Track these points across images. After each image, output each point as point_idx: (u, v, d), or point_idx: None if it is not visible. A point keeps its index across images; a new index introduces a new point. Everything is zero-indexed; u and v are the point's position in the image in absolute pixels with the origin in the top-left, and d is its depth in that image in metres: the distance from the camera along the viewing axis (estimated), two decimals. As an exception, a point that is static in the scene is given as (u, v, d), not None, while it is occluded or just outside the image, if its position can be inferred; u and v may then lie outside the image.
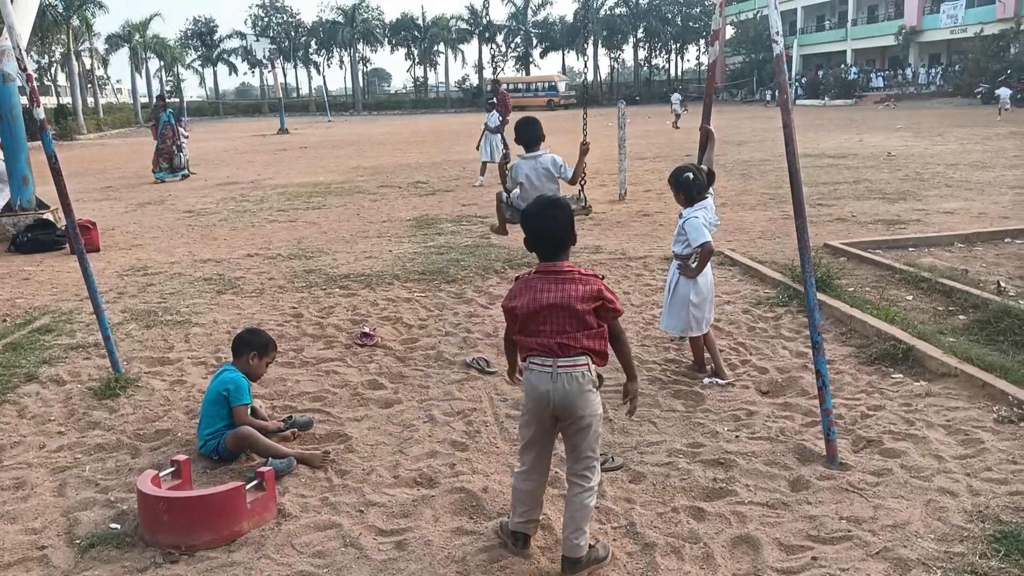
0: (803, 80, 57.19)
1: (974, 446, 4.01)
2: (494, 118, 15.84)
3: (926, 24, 52.76)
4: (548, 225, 3.14)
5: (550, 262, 3.13)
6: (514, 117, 8.58)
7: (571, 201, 5.81)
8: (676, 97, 37.69)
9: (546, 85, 69.54)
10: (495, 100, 16.71)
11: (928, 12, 52.84)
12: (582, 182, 5.90)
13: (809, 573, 3.06)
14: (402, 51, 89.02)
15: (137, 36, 71.75)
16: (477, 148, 16.62)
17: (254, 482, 3.59)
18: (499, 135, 15.12)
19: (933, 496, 3.55)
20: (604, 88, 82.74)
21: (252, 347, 4.37)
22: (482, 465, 4.06)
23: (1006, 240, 8.78)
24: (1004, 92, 33.75)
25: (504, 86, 19.60)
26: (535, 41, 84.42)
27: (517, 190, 5.86)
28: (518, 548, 3.26)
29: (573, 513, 3.10)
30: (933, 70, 52.54)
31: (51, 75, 67.18)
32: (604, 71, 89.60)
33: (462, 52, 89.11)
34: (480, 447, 4.28)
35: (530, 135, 5.68)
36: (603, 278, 3.18)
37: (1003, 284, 6.77)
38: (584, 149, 5.85)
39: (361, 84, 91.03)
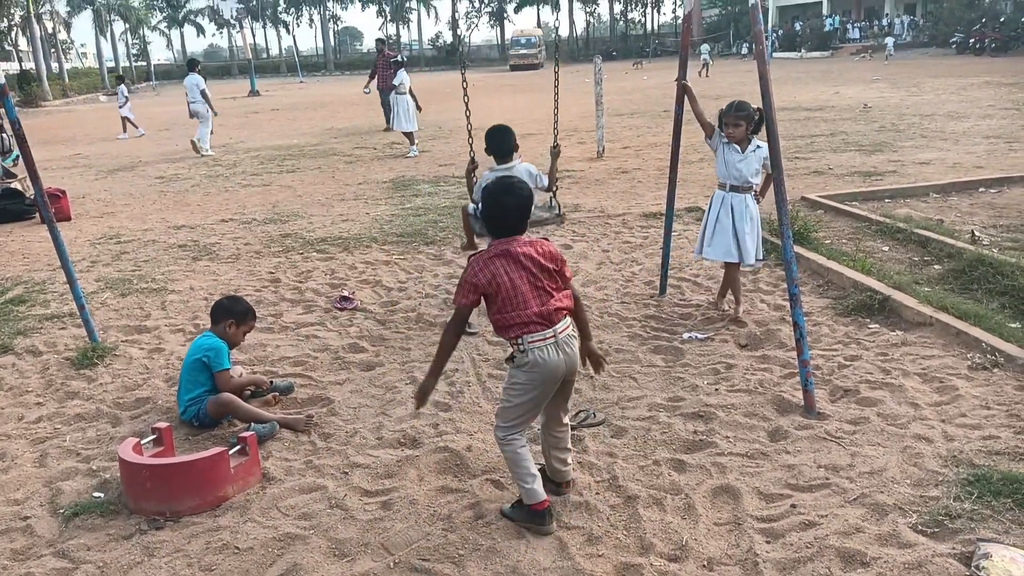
0: (779, 32, 56.84)
1: (949, 393, 4.08)
2: (402, 76, 14.78)
3: (902, -27, 52.50)
4: (510, 207, 3.11)
5: (506, 238, 3.12)
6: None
7: (543, 209, 5.52)
8: (705, 47, 40.03)
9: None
10: (400, 58, 16.02)
11: (903, -39, 52.58)
12: (555, 188, 5.41)
13: (788, 520, 3.12)
14: (373, 8, 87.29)
15: (100, -3, 69.79)
16: (389, 125, 15.26)
17: (237, 447, 3.59)
18: (407, 95, 14.67)
19: (909, 443, 3.62)
20: (580, 44, 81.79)
21: (230, 315, 4.34)
22: (465, 424, 4.08)
23: (980, 190, 8.85)
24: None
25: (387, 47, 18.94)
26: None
27: None
28: (546, 523, 3.14)
29: (567, 446, 3.34)
30: (908, 19, 52.35)
31: (11, 40, 65.27)
32: (580, 26, 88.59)
33: (435, 8, 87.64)
34: (463, 407, 4.29)
35: (503, 146, 5.16)
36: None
37: (977, 233, 6.85)
38: (555, 153, 5.40)
39: (332, 43, 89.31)
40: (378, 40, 20.44)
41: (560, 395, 3.21)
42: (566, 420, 3.33)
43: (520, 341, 3.04)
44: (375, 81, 18.66)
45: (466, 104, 5.52)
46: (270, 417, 4.09)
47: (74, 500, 3.50)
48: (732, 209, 5.28)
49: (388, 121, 17.86)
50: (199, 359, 4.16)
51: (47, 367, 5.09)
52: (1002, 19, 40.76)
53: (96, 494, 3.54)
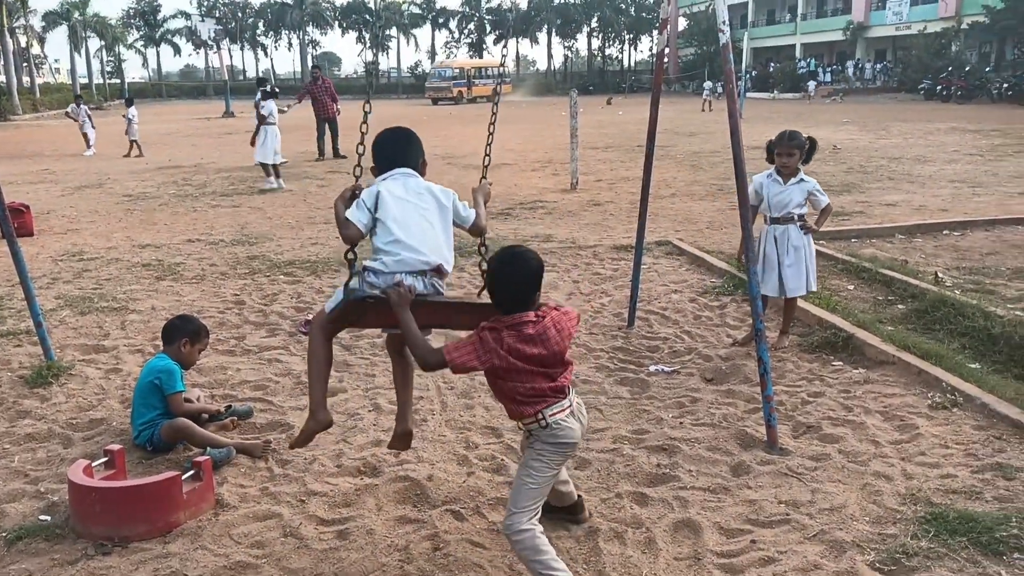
0: (753, 73, 58.01)
1: (909, 431, 4.11)
2: (270, 106, 13.91)
3: (872, 20, 53.90)
4: (523, 284, 2.79)
5: (519, 313, 2.79)
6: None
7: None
8: (708, 84, 42.42)
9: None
10: (270, 88, 15.03)
11: (874, 8, 53.97)
12: (483, 236, 3.52)
13: (748, 556, 3.10)
14: (353, 34, 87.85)
15: (76, 14, 69.36)
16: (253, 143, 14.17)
17: (191, 472, 3.50)
18: (276, 125, 13.90)
19: (869, 480, 3.63)
20: (558, 77, 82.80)
21: (183, 333, 4.23)
22: (428, 453, 4.03)
23: (944, 232, 9.02)
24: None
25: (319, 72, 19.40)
26: (488, 28, 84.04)
27: (372, 260, 3.15)
28: None
29: (565, 476, 3.30)
30: (879, 65, 53.76)
31: (-16, 52, 64.54)
32: (558, 60, 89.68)
33: (415, 37, 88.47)
34: (426, 436, 4.24)
35: (401, 156, 3.27)
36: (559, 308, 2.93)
37: (940, 275, 6.97)
38: (484, 190, 3.50)
39: (310, 67, 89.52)
40: (314, 67, 20.81)
41: None
42: None
43: (540, 416, 2.82)
44: (297, 103, 18.95)
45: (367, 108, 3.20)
46: (226, 442, 4.00)
47: (18, 523, 3.38)
48: (775, 241, 5.30)
49: (320, 150, 18.38)
50: (151, 381, 4.06)
51: (-1, 385, 4.95)
52: (967, 68, 42.09)
53: (42, 517, 3.42)
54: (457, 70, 57.13)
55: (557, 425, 2.84)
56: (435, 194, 3.20)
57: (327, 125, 18.52)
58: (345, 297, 3.04)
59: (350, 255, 3.08)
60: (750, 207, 5.09)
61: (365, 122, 3.13)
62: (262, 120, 13.92)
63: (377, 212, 3.08)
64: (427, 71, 71.30)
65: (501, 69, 4.47)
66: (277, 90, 17.61)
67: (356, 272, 3.08)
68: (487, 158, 3.53)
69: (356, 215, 3.11)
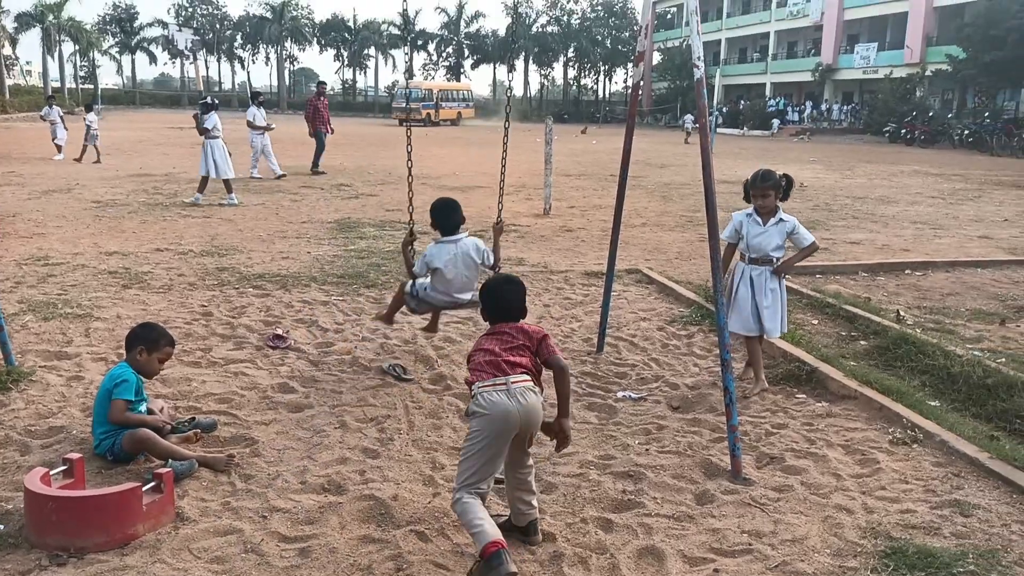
0: (723, 109, 59.05)
1: (870, 466, 4.18)
2: (213, 119, 13.59)
3: (841, 63, 55.27)
4: (506, 298, 3.44)
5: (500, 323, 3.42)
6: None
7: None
8: (689, 117, 43.32)
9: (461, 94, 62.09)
10: (211, 101, 14.68)
11: (843, 52, 55.39)
12: (498, 267, 5.33)
13: (711, 585, 3.12)
14: (331, 52, 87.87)
15: (51, 17, 68.53)
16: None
17: (151, 483, 3.44)
18: (221, 138, 13.52)
19: (830, 513, 3.68)
20: (533, 104, 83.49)
21: (140, 341, 4.14)
22: (393, 473, 4.00)
23: (906, 272, 9.23)
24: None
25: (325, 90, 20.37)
26: (467, 52, 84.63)
27: (426, 279, 5.32)
28: (504, 565, 2.92)
29: (531, 488, 3.43)
30: (846, 107, 55.04)
31: (-47, 51, 63.41)
32: (534, 87, 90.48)
33: (393, 57, 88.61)
34: (392, 455, 4.21)
35: (448, 222, 5.22)
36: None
37: (902, 313, 7.12)
38: (498, 230, 5.47)
39: (287, 83, 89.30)
40: (321, 83, 21.40)
41: (516, 444, 3.27)
42: (529, 462, 3.39)
43: (473, 390, 3.20)
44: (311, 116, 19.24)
45: (409, 169, 5.32)
46: (189, 455, 3.94)
47: (-30, 531, 3.30)
48: (752, 282, 5.22)
49: (315, 165, 18.72)
50: (108, 389, 3.99)
51: (-45, 389, 4.83)
52: (931, 114, 43.28)
53: (-5, 526, 3.34)
54: (425, 91, 56.77)
55: (482, 397, 3.14)
56: (471, 253, 5.23)
57: (316, 138, 18.89)
58: (411, 308, 5.54)
59: (412, 278, 5.38)
60: (728, 244, 5.24)
61: (410, 159, 5.26)
62: (204, 133, 13.52)
63: (434, 271, 5.24)
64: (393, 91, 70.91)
65: (508, 93, 6.21)
66: (262, 100, 18.47)
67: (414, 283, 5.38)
68: (500, 204, 5.63)
69: (419, 268, 5.29)
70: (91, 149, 20.28)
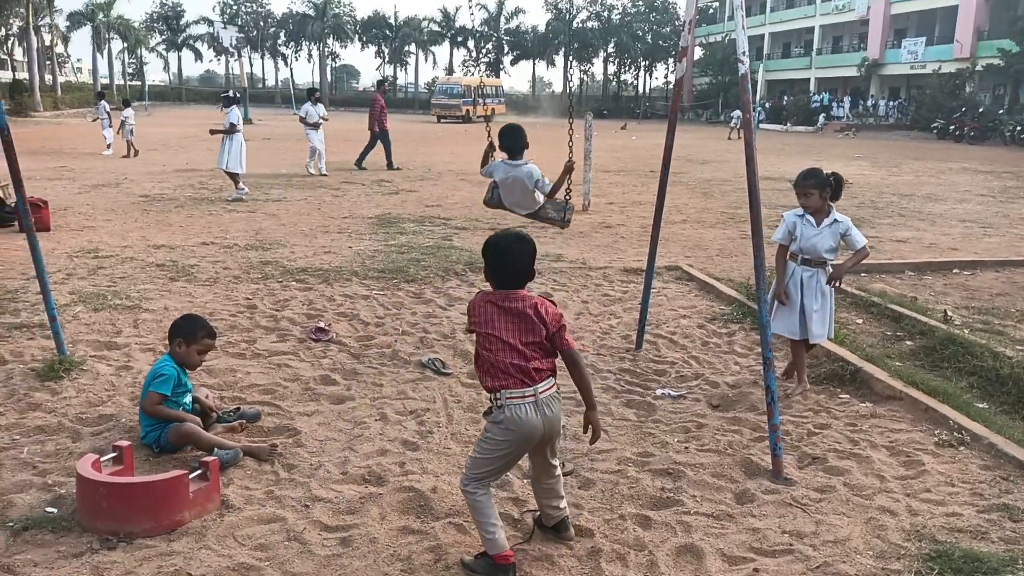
0: (767, 105, 58.23)
1: (915, 468, 4.11)
2: (235, 114, 13.62)
3: (888, 58, 54.10)
4: (514, 259, 3.08)
5: (506, 290, 3.09)
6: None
7: (554, 208, 5.90)
8: (736, 114, 42.78)
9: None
10: (233, 95, 14.90)
11: (890, 46, 54.19)
12: (567, 197, 5.89)
13: (750, 584, 3.10)
14: (372, 49, 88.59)
15: (100, 15, 70.21)
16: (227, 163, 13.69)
17: (198, 471, 3.52)
18: (240, 134, 13.54)
19: (873, 514, 3.63)
20: (572, 100, 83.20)
21: (179, 333, 4.21)
22: (432, 465, 4.04)
23: (954, 271, 9.03)
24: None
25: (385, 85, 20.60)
26: (506, 48, 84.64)
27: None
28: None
29: (560, 493, 3.32)
30: (893, 103, 53.91)
31: (7, 49, 65.28)
32: (574, 83, 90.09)
33: (433, 54, 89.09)
34: (431, 447, 4.25)
35: (512, 142, 5.67)
36: (550, 298, 3.25)
37: (949, 313, 6.97)
38: (568, 167, 5.75)
39: (329, 79, 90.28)
40: (383, 81, 21.64)
41: (541, 455, 3.19)
42: (557, 472, 3.29)
43: (499, 396, 3.00)
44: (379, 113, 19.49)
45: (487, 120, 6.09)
46: (233, 445, 4.01)
47: (25, 514, 3.40)
48: (801, 284, 5.04)
49: (359, 160, 19.06)
50: (150, 382, 4.08)
51: (11, 376, 4.99)
52: (981, 110, 42.17)
53: (49, 509, 3.45)
54: (464, 87, 55.40)
55: (510, 410, 2.98)
56: (524, 178, 5.75)
57: (382, 137, 19.13)
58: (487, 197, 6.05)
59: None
60: (780, 246, 5.12)
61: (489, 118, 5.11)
62: (232, 129, 13.50)
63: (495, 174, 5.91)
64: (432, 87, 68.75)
65: (570, 95, 7.31)
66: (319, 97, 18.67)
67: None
68: (571, 144, 5.84)
69: (486, 172, 6.00)
70: (123, 143, 21.04)
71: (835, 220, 5.00)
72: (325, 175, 17.16)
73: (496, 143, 5.83)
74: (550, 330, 3.04)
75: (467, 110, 53.92)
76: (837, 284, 5.11)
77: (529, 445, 3.07)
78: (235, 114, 13.77)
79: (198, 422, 4.14)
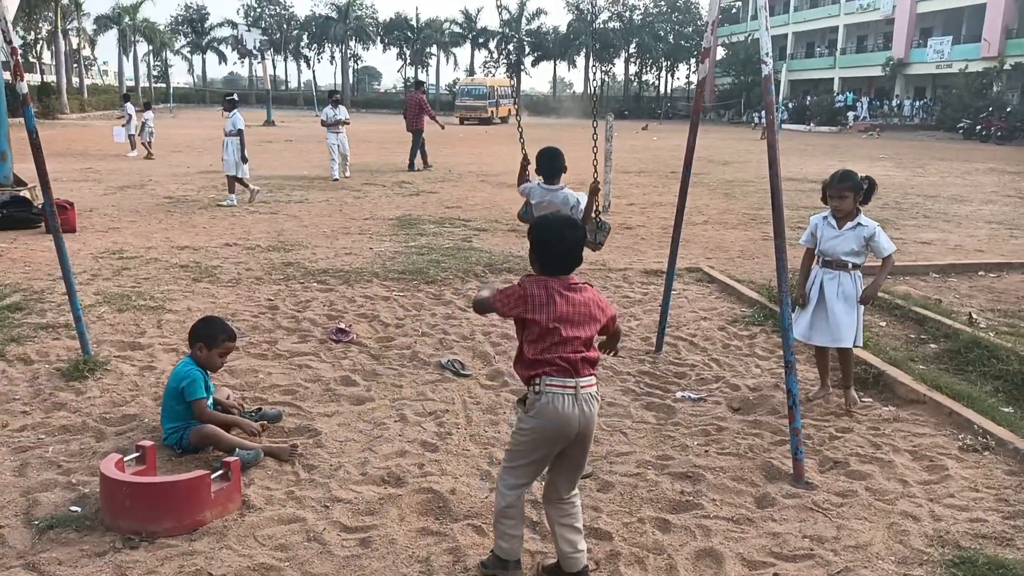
0: (790, 105, 57.75)
1: (938, 472, 4.06)
2: (145, 117, 13.11)
3: (913, 57, 53.48)
4: (567, 246, 2.98)
5: (564, 276, 2.99)
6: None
7: (587, 229, 5.64)
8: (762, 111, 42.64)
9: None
10: (235, 97, 14.53)
11: (916, 46, 53.55)
12: (597, 215, 5.73)
13: (770, 589, 3.08)
14: (394, 51, 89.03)
15: (127, 18, 71.09)
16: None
17: (219, 471, 3.56)
18: (238, 137, 13.03)
19: (896, 519, 3.59)
20: (593, 101, 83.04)
21: (199, 338, 4.24)
22: (451, 467, 4.05)
23: (980, 273, 8.91)
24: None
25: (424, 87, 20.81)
26: (527, 49, 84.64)
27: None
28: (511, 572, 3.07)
29: (576, 524, 3.07)
30: (918, 102, 53.28)
31: (36, 52, 66.24)
32: (596, 89, 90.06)
33: (454, 55, 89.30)
34: (450, 449, 4.26)
35: (550, 166, 5.53)
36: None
37: (974, 316, 6.87)
38: (594, 189, 5.59)
39: (351, 81, 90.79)
40: (420, 82, 22.30)
41: (568, 460, 2.98)
42: (573, 493, 3.04)
43: (538, 382, 2.85)
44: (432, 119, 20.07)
45: (520, 126, 6.05)
46: (254, 446, 4.04)
47: (50, 512, 3.45)
48: (823, 286, 4.94)
49: (424, 161, 19.31)
50: (175, 387, 4.11)
51: (37, 376, 5.06)
52: (1008, 109, 41.49)
53: (73, 508, 3.49)
54: (488, 88, 54.55)
55: (547, 398, 2.83)
56: (558, 203, 5.44)
57: (419, 137, 19.56)
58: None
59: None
60: (807, 250, 5.07)
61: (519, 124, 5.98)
62: (239, 133, 13.17)
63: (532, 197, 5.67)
64: (455, 89, 67.93)
65: (595, 84, 8.60)
66: (340, 99, 18.33)
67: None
68: (595, 164, 5.75)
69: (522, 192, 5.77)
70: (141, 146, 21.44)
71: (859, 224, 4.89)
72: (347, 177, 17.17)
73: (529, 158, 5.68)
74: (606, 318, 3.01)
75: (492, 111, 53.08)
76: (869, 302, 4.99)
77: (564, 441, 2.88)
78: (239, 116, 13.35)
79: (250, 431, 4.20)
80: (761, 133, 39.45)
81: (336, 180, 16.66)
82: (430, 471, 3.98)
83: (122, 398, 4.76)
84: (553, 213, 3.17)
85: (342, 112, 17.65)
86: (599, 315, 2.97)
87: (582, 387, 2.87)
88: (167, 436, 4.10)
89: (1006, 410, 4.84)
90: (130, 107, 22.98)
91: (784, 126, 48.85)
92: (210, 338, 4.24)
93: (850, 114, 50.36)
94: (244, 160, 13.23)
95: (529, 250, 3.05)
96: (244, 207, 12.66)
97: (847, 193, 4.85)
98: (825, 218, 5.00)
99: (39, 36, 62.25)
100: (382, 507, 3.62)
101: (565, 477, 3.02)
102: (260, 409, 4.52)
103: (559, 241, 2.97)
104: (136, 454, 3.65)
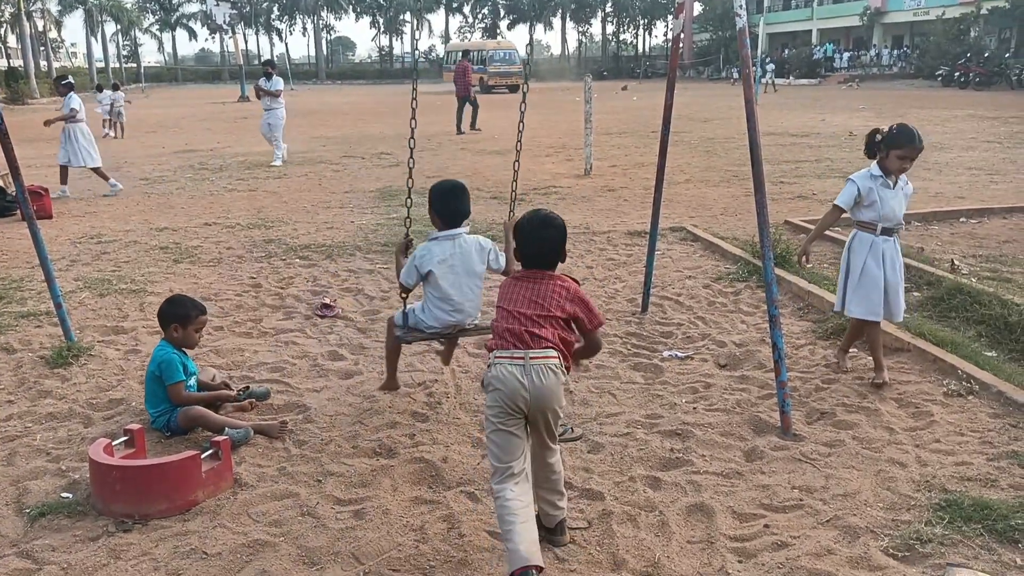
0: (769, 59, 57.49)
1: (924, 419, 4.11)
2: (113, 97, 11.38)
3: (890, 5, 53.27)
4: (543, 242, 3.03)
5: (539, 269, 3.05)
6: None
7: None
8: (771, 66, 44.67)
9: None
10: (71, 81, 12.33)
11: (893, -7, 53.41)
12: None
13: (761, 540, 3.12)
14: (367, 19, 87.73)
15: (92, -2, 69.60)
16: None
17: (210, 451, 3.55)
18: (84, 122, 11.66)
19: (883, 467, 3.64)
20: (571, 62, 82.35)
21: (171, 319, 4.18)
22: (442, 436, 4.06)
23: (961, 219, 8.96)
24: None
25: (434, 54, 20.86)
26: (502, 12, 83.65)
27: (415, 304, 4.26)
28: None
29: (559, 488, 3.09)
30: (896, 51, 53.14)
31: (0, 36, 64.89)
32: (572, 45, 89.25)
33: (428, 22, 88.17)
34: (440, 418, 4.27)
35: (451, 207, 4.17)
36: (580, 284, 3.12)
37: (956, 262, 6.92)
38: (510, 227, 3.86)
39: (325, 52, 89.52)
40: (465, 51, 24.28)
41: (536, 435, 2.95)
42: (554, 460, 3.01)
43: (491, 357, 2.95)
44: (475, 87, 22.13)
45: (410, 170, 4.49)
46: (243, 424, 4.04)
47: (41, 500, 3.44)
48: (884, 257, 4.54)
49: (458, 127, 19.93)
50: (153, 371, 4.09)
51: (20, 365, 5.02)
52: (986, 55, 41.54)
53: (64, 494, 3.48)
54: (514, 52, 45.83)
55: (495, 369, 2.89)
56: (473, 253, 4.14)
57: (466, 103, 20.66)
58: (400, 339, 4.23)
59: (403, 295, 4.29)
60: (835, 209, 4.71)
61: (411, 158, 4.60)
62: (72, 115, 11.57)
63: (426, 278, 4.10)
64: (438, 55, 63.57)
65: (527, 64, 5.28)
66: (272, 70, 15.79)
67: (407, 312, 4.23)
68: (514, 192, 4.96)
69: (407, 277, 4.13)
70: (117, 126, 21.55)
71: (907, 181, 4.57)
72: (278, 165, 14.70)
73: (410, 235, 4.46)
74: (576, 311, 2.97)
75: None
76: None
77: (517, 413, 2.85)
78: (76, 100, 11.70)
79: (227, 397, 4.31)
80: (764, 88, 39.76)
81: (276, 166, 14.64)
82: (421, 440, 4.00)
83: (108, 383, 4.74)
84: (534, 210, 3.13)
85: (277, 83, 15.30)
86: (554, 309, 2.94)
87: (532, 358, 2.86)
88: (154, 420, 4.08)
89: (989, 354, 4.90)
90: (106, 96, 22.49)
91: (775, 80, 48.33)
92: (183, 317, 4.19)
93: (840, 58, 50.71)
94: (76, 151, 11.58)
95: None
96: (223, 185, 12.49)
97: (918, 155, 4.45)
98: (878, 177, 4.51)
99: (2, 19, 60.92)
100: (375, 478, 3.63)
101: (538, 449, 2.99)
102: (248, 388, 4.50)
103: (530, 242, 3.06)
104: (125, 438, 3.63)
